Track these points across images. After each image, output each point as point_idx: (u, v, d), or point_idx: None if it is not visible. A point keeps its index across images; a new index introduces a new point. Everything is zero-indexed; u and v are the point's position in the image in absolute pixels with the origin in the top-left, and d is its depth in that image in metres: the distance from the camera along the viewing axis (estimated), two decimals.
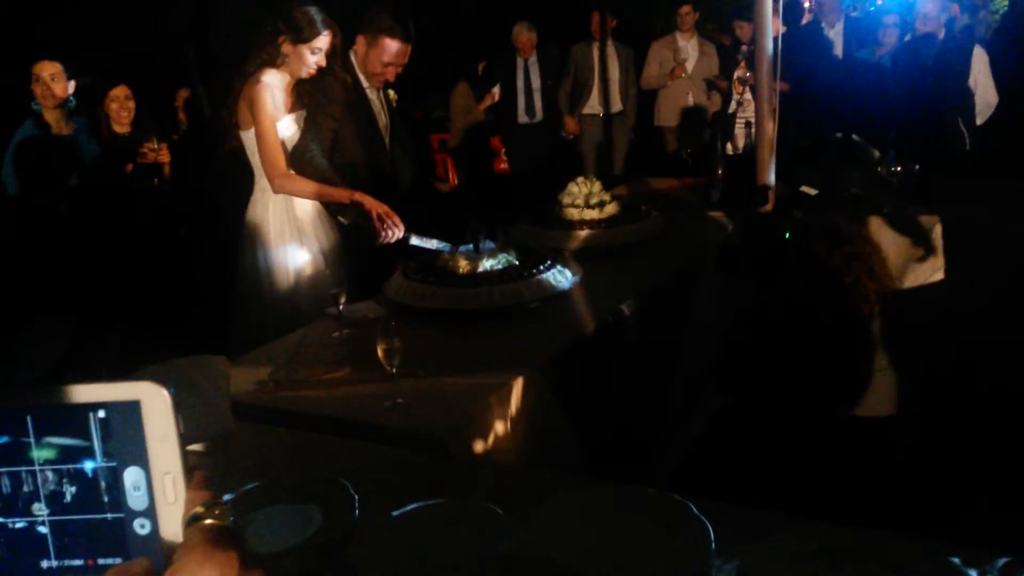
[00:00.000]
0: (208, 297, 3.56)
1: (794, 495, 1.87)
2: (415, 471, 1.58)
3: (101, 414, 0.56)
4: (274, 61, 2.90)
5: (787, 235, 1.93)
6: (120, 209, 3.96)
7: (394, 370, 1.91)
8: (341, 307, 2.39)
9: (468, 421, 1.83)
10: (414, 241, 2.70)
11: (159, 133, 4.26)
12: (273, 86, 2.89)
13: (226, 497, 1.34)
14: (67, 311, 3.16)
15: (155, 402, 0.56)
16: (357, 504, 1.26)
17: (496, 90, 6.57)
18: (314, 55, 2.92)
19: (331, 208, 3.03)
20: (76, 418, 0.56)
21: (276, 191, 2.92)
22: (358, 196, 2.83)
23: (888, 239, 2.81)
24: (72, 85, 4.06)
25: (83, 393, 0.56)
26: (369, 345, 2.13)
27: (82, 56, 4.51)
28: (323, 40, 2.91)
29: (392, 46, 3.10)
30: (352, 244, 3.07)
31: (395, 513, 1.29)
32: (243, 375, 2.08)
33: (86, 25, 6.80)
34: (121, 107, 4.28)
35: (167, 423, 0.56)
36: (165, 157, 4.11)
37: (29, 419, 0.56)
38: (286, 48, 2.90)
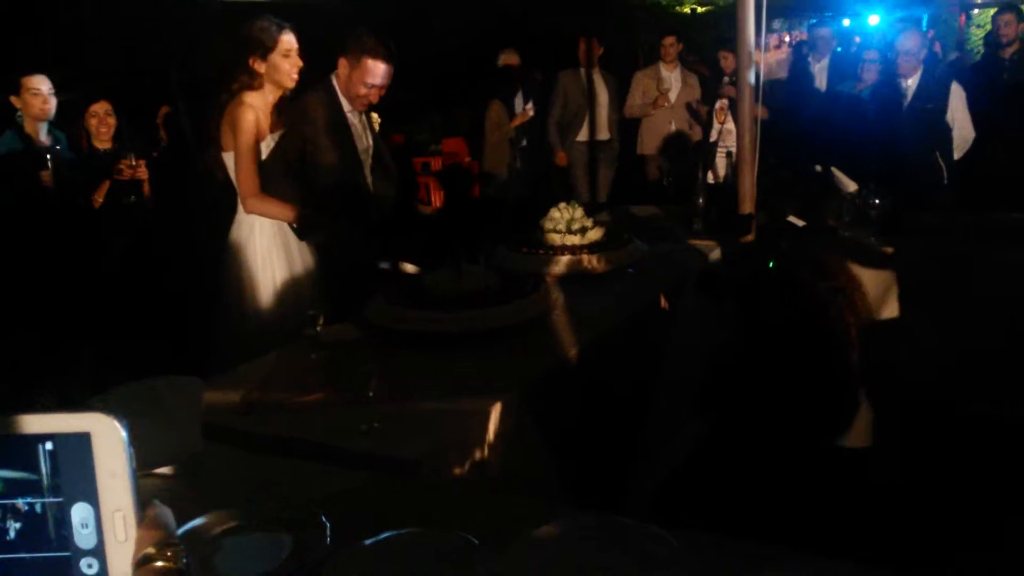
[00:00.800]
0: (185, 316, 3.51)
1: (772, 524, 1.85)
2: (390, 497, 1.54)
3: (49, 446, 0.53)
4: (252, 83, 2.89)
5: (771, 264, 1.93)
6: (91, 225, 3.91)
7: (371, 393, 1.88)
8: (318, 329, 2.36)
9: (445, 446, 1.80)
10: (382, 265, 2.69)
11: (140, 149, 4.24)
12: (256, 107, 2.88)
13: (194, 523, 1.30)
14: (36, 327, 3.10)
15: (106, 435, 0.53)
16: (329, 532, 1.23)
17: (530, 107, 6.54)
18: (287, 58, 2.92)
19: (297, 230, 3.02)
20: (22, 450, 0.53)
21: (248, 211, 2.92)
22: (334, 222, 2.86)
23: (866, 273, 2.83)
24: (54, 100, 4.03)
25: (30, 423, 0.53)
26: (346, 368, 2.10)
27: (63, 71, 4.48)
28: (288, 40, 2.91)
29: (375, 67, 3.10)
30: (331, 266, 3.05)
31: (368, 542, 1.26)
32: (216, 396, 2.04)
33: (68, 40, 6.77)
34: (101, 122, 4.26)
35: (119, 457, 0.53)
36: (143, 174, 4.08)
37: None
38: (258, 66, 2.90)
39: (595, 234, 3.08)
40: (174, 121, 5.68)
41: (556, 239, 3.06)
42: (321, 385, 2.15)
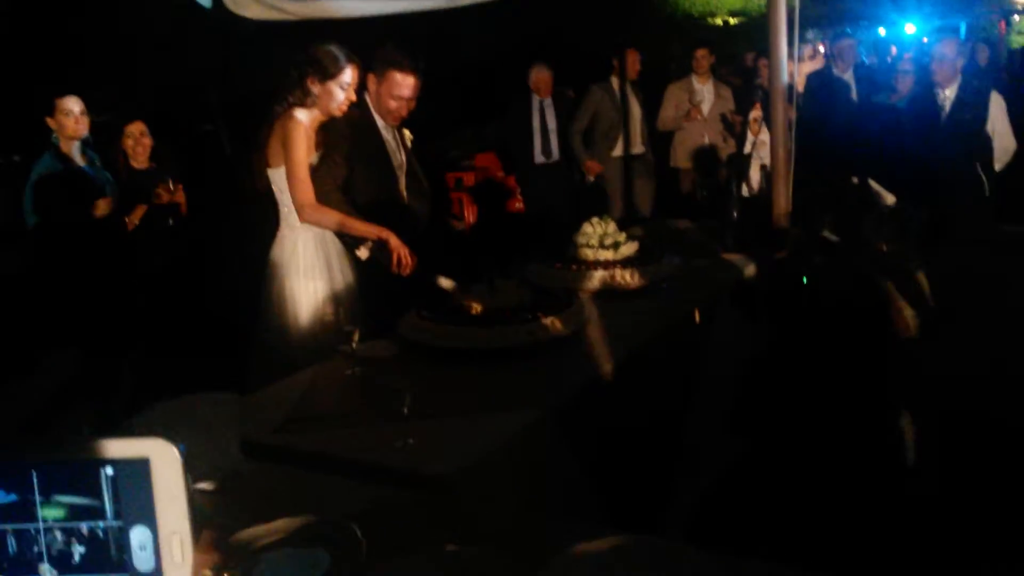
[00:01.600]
0: (223, 333, 3.56)
1: (811, 545, 1.82)
2: (424, 514, 1.55)
3: (109, 471, 0.54)
4: (303, 101, 2.93)
5: (804, 280, 1.91)
6: (128, 245, 3.99)
7: (405, 410, 1.89)
8: (354, 345, 2.38)
9: (479, 463, 1.80)
10: (440, 282, 2.69)
11: (177, 170, 4.31)
12: (305, 123, 2.92)
13: (233, 537, 1.32)
14: (77, 345, 3.16)
15: (165, 460, 0.54)
16: (365, 548, 1.24)
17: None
18: (343, 90, 2.96)
19: (348, 241, 3.04)
20: (84, 476, 0.54)
21: (303, 220, 2.94)
22: (385, 234, 2.89)
23: (903, 287, 2.78)
24: (87, 120, 4.12)
25: (91, 449, 0.54)
26: (381, 384, 2.12)
27: (100, 92, 4.58)
28: (349, 74, 2.96)
29: (402, 79, 3.14)
30: (369, 281, 3.07)
31: (404, 558, 1.26)
32: (254, 413, 2.07)
33: (105, 61, 6.93)
34: (137, 143, 4.34)
35: (176, 482, 0.54)
36: (180, 197, 4.15)
37: (35, 475, 0.54)
38: (315, 88, 2.93)
39: (628, 249, 3.07)
40: (213, 139, 5.79)
41: (589, 254, 3.05)
42: (357, 401, 2.17)
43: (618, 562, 1.25)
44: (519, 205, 7.71)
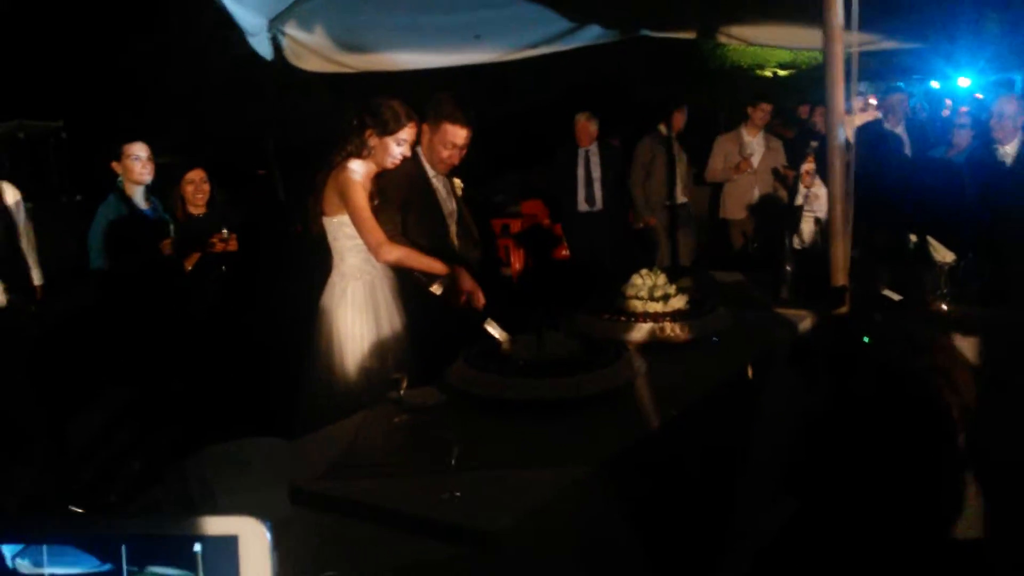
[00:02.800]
0: (271, 378, 3.59)
1: None
2: (470, 571, 1.52)
3: (198, 547, 0.54)
4: (359, 152, 2.98)
5: (865, 339, 1.85)
6: (180, 293, 4.06)
7: (452, 461, 1.87)
8: (402, 392, 2.37)
9: (527, 519, 1.76)
10: (489, 328, 2.69)
11: (233, 217, 4.40)
12: (360, 173, 2.97)
13: None
14: (130, 383, 3.21)
15: (254, 538, 0.54)
16: None
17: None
18: (399, 146, 3.02)
19: (422, 279, 3.05)
20: (175, 550, 0.54)
21: (382, 258, 2.97)
22: (458, 270, 2.94)
23: (967, 349, 2.69)
24: (152, 166, 4.26)
25: (182, 525, 0.54)
26: (427, 432, 2.10)
27: (163, 138, 4.73)
28: (408, 132, 3.02)
29: (454, 132, 3.19)
30: (419, 328, 3.08)
31: None
32: (301, 459, 2.06)
33: (169, 108, 7.19)
34: (197, 189, 4.45)
35: (263, 561, 0.54)
36: (234, 246, 4.23)
37: (124, 548, 0.54)
38: (372, 141, 2.99)
39: (678, 302, 3.02)
40: (268, 186, 5.92)
41: (638, 306, 3.01)
42: (404, 450, 2.15)
43: None
44: (565, 252, 7.73)
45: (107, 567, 0.55)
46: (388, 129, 2.98)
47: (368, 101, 3.03)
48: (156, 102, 7.39)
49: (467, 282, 2.95)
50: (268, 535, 0.54)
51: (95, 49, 7.99)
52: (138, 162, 4.15)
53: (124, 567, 0.54)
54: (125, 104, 7.33)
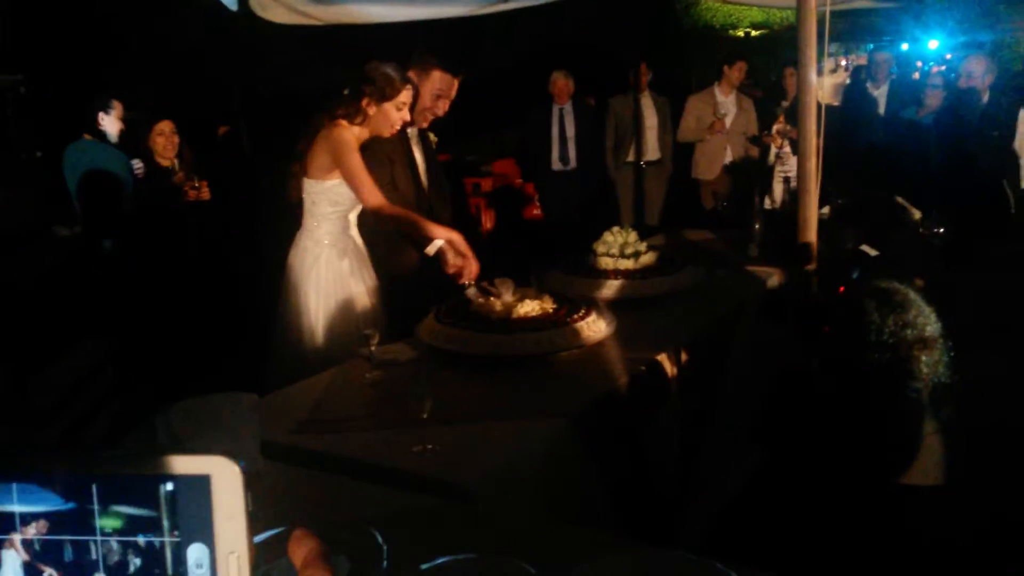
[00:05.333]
0: (243, 332, 3.57)
1: (833, 562, 1.79)
2: (444, 522, 1.54)
3: (169, 486, 0.54)
4: (352, 118, 2.90)
5: (841, 293, 1.88)
6: (168, 240, 4.04)
7: (424, 415, 1.88)
8: (373, 348, 2.37)
9: (497, 471, 1.79)
10: (469, 293, 2.67)
11: (199, 168, 4.34)
12: (353, 134, 2.90)
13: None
14: (107, 335, 3.18)
15: (226, 478, 0.53)
16: (386, 555, 1.22)
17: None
18: (399, 111, 2.94)
19: (416, 240, 3.00)
20: (145, 489, 0.54)
21: (380, 215, 2.90)
22: (455, 236, 2.84)
23: (933, 303, 2.73)
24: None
25: (153, 464, 0.54)
26: (400, 388, 2.11)
27: (131, 91, 4.63)
28: (406, 95, 2.94)
29: (444, 79, 3.14)
30: (392, 286, 3.06)
31: (425, 567, 1.25)
32: (273, 413, 2.06)
33: (139, 62, 7.01)
34: (167, 141, 4.38)
35: (236, 500, 0.53)
36: (206, 195, 4.17)
37: (95, 487, 0.54)
38: (371, 109, 2.91)
39: (648, 259, 3.05)
40: (234, 140, 5.82)
41: (609, 263, 3.03)
42: (376, 405, 2.15)
43: (636, 574, 1.23)
44: (536, 212, 7.72)
45: (70, 505, 0.54)
46: (386, 95, 2.91)
47: (361, 68, 2.94)
48: (120, 56, 7.20)
49: (462, 250, 2.85)
50: (241, 474, 0.53)
51: (57, 1, 7.75)
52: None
53: (92, 506, 0.53)
54: (89, 58, 7.14)
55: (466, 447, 1.86)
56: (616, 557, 1.26)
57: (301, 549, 0.56)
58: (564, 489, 1.94)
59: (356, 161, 2.84)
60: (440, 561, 1.26)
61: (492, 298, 2.60)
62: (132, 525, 0.54)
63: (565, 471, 1.95)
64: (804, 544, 1.84)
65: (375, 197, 2.86)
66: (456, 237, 2.83)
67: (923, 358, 1.74)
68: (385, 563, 1.21)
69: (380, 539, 1.26)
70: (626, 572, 1.23)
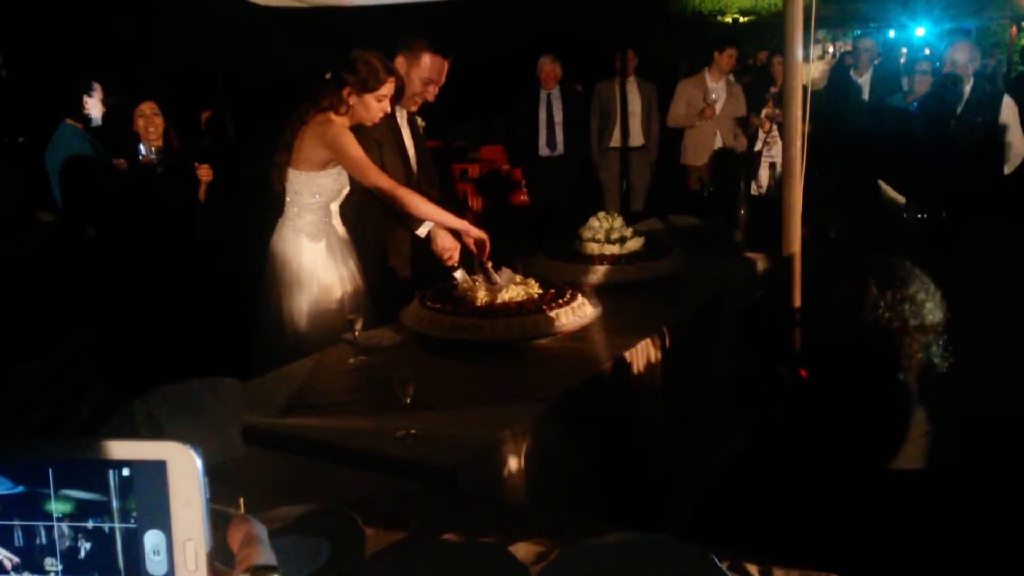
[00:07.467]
0: (226, 319, 3.55)
1: (816, 543, 1.80)
2: (426, 506, 1.53)
3: (125, 472, 0.53)
4: (337, 108, 2.85)
5: (823, 280, 1.88)
6: (151, 227, 4.00)
7: (407, 400, 1.87)
8: (357, 333, 2.36)
9: (480, 456, 1.79)
10: (457, 276, 2.66)
11: (184, 151, 4.30)
12: (344, 122, 2.86)
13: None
14: (89, 325, 3.15)
15: (182, 464, 0.53)
16: (366, 539, 1.22)
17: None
18: (380, 103, 2.87)
19: (407, 223, 2.98)
20: (99, 474, 0.53)
21: (400, 199, 2.83)
22: (466, 226, 2.83)
23: (919, 289, 2.74)
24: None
25: (108, 449, 0.53)
26: (383, 373, 2.10)
27: (113, 76, 4.58)
28: (388, 87, 2.88)
29: (434, 61, 3.10)
30: (376, 271, 3.05)
31: (404, 550, 1.25)
32: (256, 399, 2.05)
33: (120, 46, 6.92)
34: (149, 123, 4.32)
35: (193, 487, 0.53)
36: (204, 174, 4.13)
37: (50, 471, 0.53)
38: (351, 99, 2.86)
39: (634, 244, 3.05)
40: (218, 125, 5.76)
41: (595, 248, 3.03)
42: (359, 389, 2.15)
43: (617, 557, 1.23)
44: (524, 198, 7.71)
45: (20, 489, 0.53)
46: (367, 87, 2.84)
47: (345, 56, 2.88)
48: (102, 39, 7.11)
49: (476, 235, 2.81)
50: (199, 460, 0.53)
51: None
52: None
53: (46, 490, 0.53)
54: (69, 42, 7.05)
55: (448, 432, 1.86)
56: (598, 540, 1.27)
57: (237, 533, 0.55)
58: (547, 473, 1.94)
59: (356, 150, 2.79)
60: (421, 546, 1.25)
61: (477, 283, 2.59)
62: (84, 510, 0.53)
63: (548, 455, 1.95)
64: (788, 527, 1.85)
65: (385, 179, 2.80)
66: (466, 226, 2.81)
67: (918, 338, 1.74)
68: (365, 547, 1.21)
69: (360, 523, 1.25)
70: (608, 555, 1.24)
